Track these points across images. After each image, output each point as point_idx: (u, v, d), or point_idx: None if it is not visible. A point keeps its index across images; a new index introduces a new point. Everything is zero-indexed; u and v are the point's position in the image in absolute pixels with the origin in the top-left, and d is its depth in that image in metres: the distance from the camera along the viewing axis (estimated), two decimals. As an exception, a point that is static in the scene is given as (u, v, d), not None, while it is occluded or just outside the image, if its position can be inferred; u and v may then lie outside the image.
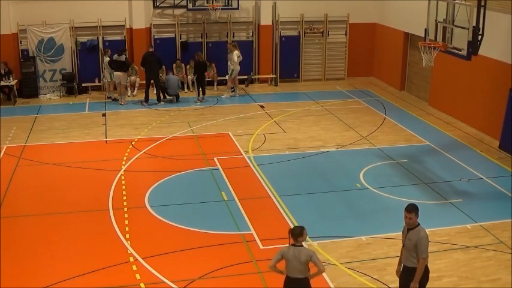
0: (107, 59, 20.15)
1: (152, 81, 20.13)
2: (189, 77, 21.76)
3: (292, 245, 7.73)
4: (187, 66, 21.84)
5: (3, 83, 19.97)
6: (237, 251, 10.42)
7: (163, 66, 21.06)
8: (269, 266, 7.84)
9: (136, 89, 21.38)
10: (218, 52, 22.22)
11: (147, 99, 20.15)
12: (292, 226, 11.20)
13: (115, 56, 19.85)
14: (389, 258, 10.19)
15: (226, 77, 21.12)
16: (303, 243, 7.83)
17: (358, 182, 13.52)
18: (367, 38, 23.71)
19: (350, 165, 14.53)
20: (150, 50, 20.15)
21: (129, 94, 21.10)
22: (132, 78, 21.09)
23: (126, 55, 20.22)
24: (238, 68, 20.83)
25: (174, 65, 21.56)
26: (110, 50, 20.22)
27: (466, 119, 17.82)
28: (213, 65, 21.93)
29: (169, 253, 10.31)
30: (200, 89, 20.56)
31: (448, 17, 13.82)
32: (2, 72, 19.98)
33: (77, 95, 21.19)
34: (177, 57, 21.96)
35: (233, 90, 21.27)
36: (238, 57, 20.67)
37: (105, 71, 20.40)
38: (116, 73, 19.85)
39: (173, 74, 21.04)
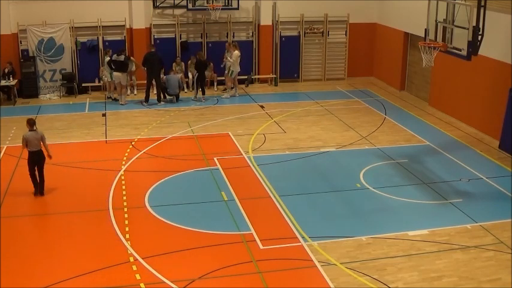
0: (107, 59, 20.15)
1: (153, 81, 20.12)
2: (189, 74, 21.67)
3: (30, 130, 12.36)
4: (189, 62, 21.70)
5: (3, 83, 19.99)
6: (237, 251, 10.41)
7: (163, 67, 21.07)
8: (22, 148, 12.57)
9: (135, 88, 21.38)
10: (218, 52, 22.18)
11: (147, 99, 20.14)
12: (291, 225, 11.25)
13: (114, 56, 19.84)
14: (389, 258, 10.19)
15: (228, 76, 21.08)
16: None
17: (358, 182, 13.51)
18: (367, 38, 23.72)
19: (350, 165, 14.53)
20: (152, 50, 20.14)
21: (128, 93, 21.08)
22: (133, 70, 20.88)
23: (125, 55, 20.20)
24: (238, 68, 20.84)
25: (173, 63, 21.51)
26: (111, 50, 20.21)
27: (466, 119, 17.82)
28: (212, 64, 21.91)
29: (169, 253, 10.31)
30: (200, 89, 20.57)
31: (448, 17, 13.82)
32: (6, 71, 20.01)
33: (77, 95, 21.20)
34: (177, 55, 21.93)
35: (232, 89, 21.27)
36: (238, 57, 20.68)
37: (106, 71, 20.39)
38: (115, 73, 19.84)
39: (174, 73, 20.97)
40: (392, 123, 18.03)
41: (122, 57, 19.85)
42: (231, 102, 20.55)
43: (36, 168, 12.60)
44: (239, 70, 20.97)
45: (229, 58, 20.70)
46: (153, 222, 11.56)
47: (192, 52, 21.73)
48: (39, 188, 12.69)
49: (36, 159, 12.52)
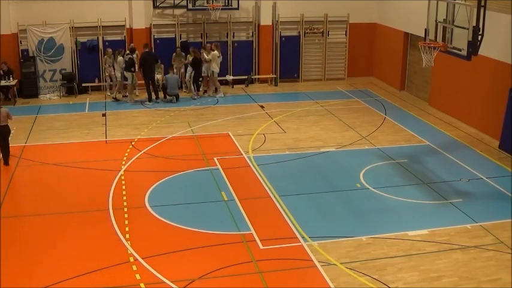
0: (120, 58, 20.10)
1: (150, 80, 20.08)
2: (187, 74, 21.36)
3: None
4: (188, 56, 21.46)
5: (3, 83, 19.99)
6: (237, 251, 10.41)
7: (162, 66, 21.05)
8: None
9: (136, 88, 21.36)
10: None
11: (150, 98, 20.15)
12: (291, 225, 11.25)
13: (127, 56, 19.91)
14: (389, 258, 10.19)
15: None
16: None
17: (358, 182, 13.52)
18: (367, 38, 23.72)
19: (350, 165, 14.53)
20: (147, 49, 20.09)
21: (137, 94, 21.08)
22: (159, 76, 20.86)
23: (131, 55, 20.11)
24: (217, 68, 20.68)
25: (174, 54, 21.24)
26: (123, 50, 20.22)
27: (466, 119, 17.82)
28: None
29: (169, 253, 10.31)
30: (195, 85, 20.62)
31: (448, 17, 13.82)
32: (1, 72, 20.00)
33: (77, 95, 21.20)
34: (177, 46, 21.75)
35: (215, 91, 21.28)
36: (217, 57, 20.56)
37: (116, 71, 20.36)
38: (126, 72, 19.90)
39: (172, 68, 20.75)
40: (392, 123, 18.04)
41: (127, 57, 19.87)
42: (231, 102, 20.55)
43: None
44: (218, 71, 20.84)
45: (206, 57, 20.53)
46: (153, 222, 11.56)
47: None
48: (5, 158, 14.45)
49: (3, 133, 14.39)
